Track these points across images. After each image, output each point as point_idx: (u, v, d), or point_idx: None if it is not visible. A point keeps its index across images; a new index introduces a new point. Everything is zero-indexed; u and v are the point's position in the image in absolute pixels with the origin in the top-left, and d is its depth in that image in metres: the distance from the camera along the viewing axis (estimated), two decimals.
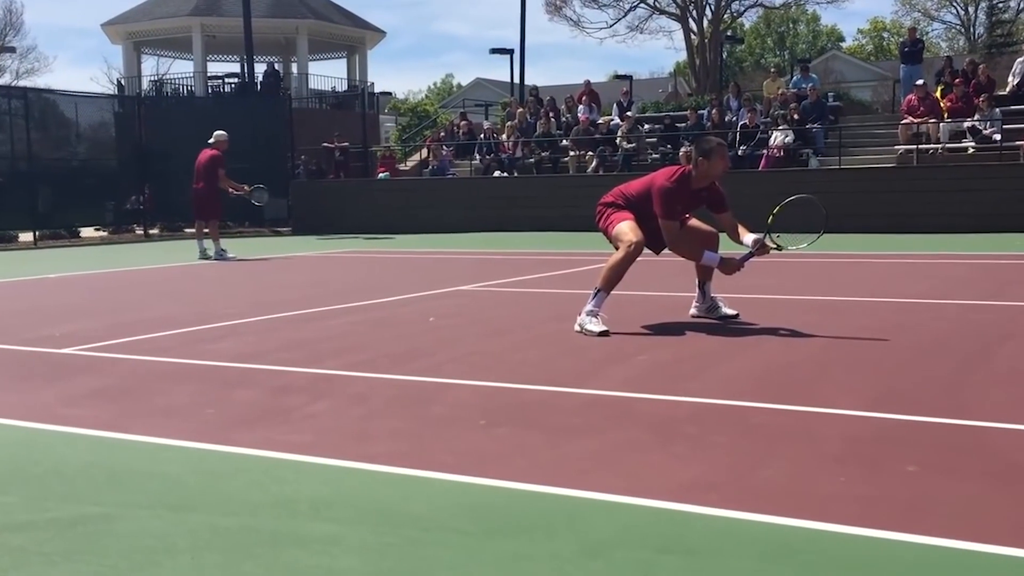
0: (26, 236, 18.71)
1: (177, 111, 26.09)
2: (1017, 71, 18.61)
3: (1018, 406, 3.81)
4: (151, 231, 21.02)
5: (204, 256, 13.40)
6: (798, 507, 2.64)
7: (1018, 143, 16.45)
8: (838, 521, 2.52)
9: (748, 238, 5.99)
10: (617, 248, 6.08)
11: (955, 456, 3.14)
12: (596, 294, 6.03)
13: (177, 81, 32.62)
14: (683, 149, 19.09)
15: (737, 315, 6.38)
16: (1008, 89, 18.57)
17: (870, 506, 2.65)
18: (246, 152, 22.09)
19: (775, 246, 5.98)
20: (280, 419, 3.82)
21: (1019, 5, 50.07)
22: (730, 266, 6.06)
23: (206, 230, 13.86)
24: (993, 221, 14.87)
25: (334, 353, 5.32)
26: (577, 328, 5.94)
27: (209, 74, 32.12)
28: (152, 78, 34.24)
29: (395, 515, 2.68)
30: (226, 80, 31.49)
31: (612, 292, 6.09)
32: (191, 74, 32.10)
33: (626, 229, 6.06)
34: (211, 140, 13.83)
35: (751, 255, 5.98)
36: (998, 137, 16.84)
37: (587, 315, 5.94)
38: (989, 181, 15.61)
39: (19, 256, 15.72)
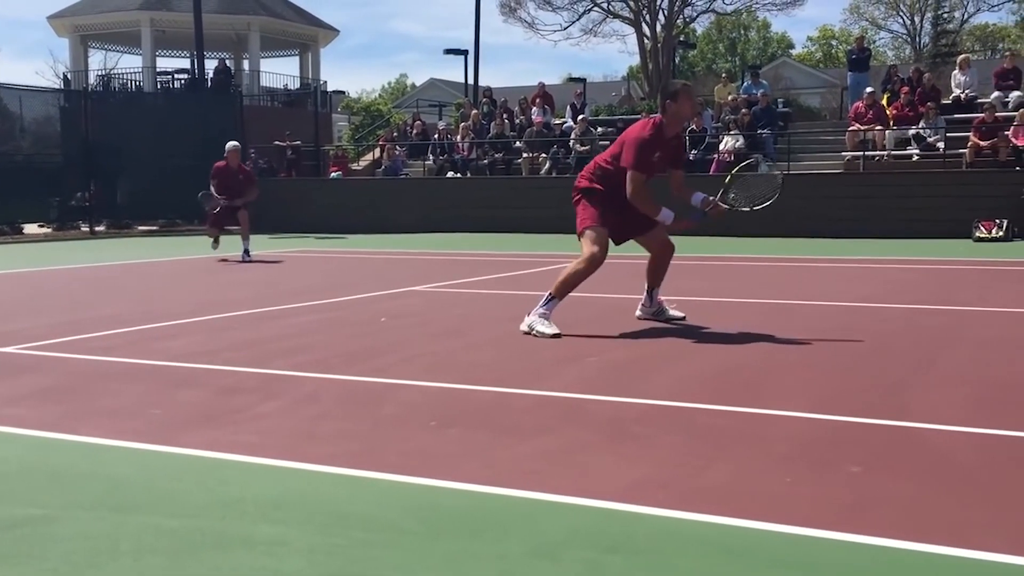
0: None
1: (125, 106, 25.66)
2: (959, 80, 19.03)
3: (960, 408, 3.89)
4: (97, 228, 20.63)
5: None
6: (745, 507, 2.67)
7: (961, 151, 16.83)
8: (784, 521, 2.56)
9: (696, 197, 6.03)
10: (582, 249, 6.00)
11: (898, 457, 3.20)
12: (549, 300, 6.01)
13: (125, 76, 32.07)
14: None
15: (684, 317, 6.43)
16: (952, 97, 18.98)
17: (815, 506, 2.69)
18: (195, 149, 21.82)
19: (728, 206, 6.02)
20: (228, 420, 3.77)
21: (963, 16, 51.30)
22: (681, 224, 6.05)
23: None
24: (937, 227, 15.19)
25: (284, 353, 5.27)
26: (525, 329, 5.92)
27: (158, 69, 31.61)
28: (99, 72, 33.64)
29: (343, 516, 2.66)
30: (176, 76, 31.01)
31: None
32: (139, 69, 31.59)
33: (591, 238, 6.00)
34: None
35: (703, 214, 6.02)
36: (942, 145, 17.20)
37: (538, 317, 5.93)
38: (933, 188, 15.95)
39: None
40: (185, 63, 33.10)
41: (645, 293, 6.59)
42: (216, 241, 13.44)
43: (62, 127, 22.32)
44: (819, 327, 6.15)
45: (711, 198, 5.99)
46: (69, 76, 31.77)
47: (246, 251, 12.76)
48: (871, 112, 18.06)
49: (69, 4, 32.80)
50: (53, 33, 33.60)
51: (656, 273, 6.42)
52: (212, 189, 13.14)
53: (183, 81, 29.74)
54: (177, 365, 4.93)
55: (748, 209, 6.14)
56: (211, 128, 22.42)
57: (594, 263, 5.97)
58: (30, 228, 19.84)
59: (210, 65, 28.00)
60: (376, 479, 2.98)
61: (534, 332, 5.86)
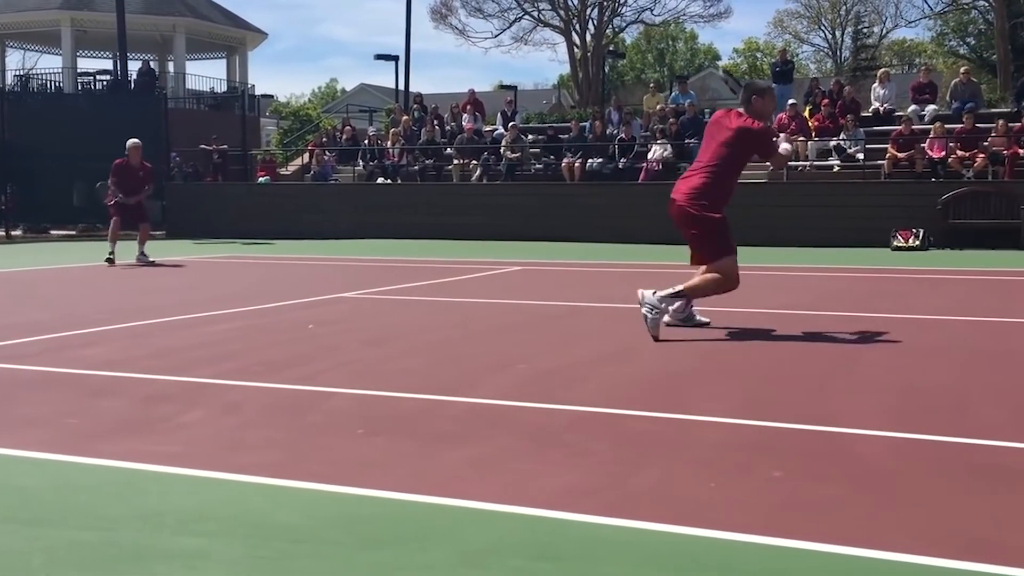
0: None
1: (44, 108, 24.92)
2: (878, 94, 19.59)
3: (878, 413, 3.99)
4: (13, 232, 20.00)
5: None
6: (671, 513, 2.70)
7: (880, 162, 17.32)
8: (708, 526, 2.59)
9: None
10: (713, 270, 6.07)
11: (818, 461, 3.26)
12: (677, 295, 6.02)
13: (44, 76, 31.16)
14: (565, 160, 19.38)
15: (709, 323, 6.44)
16: (871, 110, 19.52)
17: (738, 511, 2.73)
18: (117, 152, 21.28)
19: None
20: (148, 429, 3.68)
21: (882, 31, 52.87)
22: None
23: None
24: (856, 236, 15.59)
25: (208, 361, 5.16)
26: (642, 301, 5.85)
27: (79, 70, 30.82)
28: (17, 72, 32.62)
29: (267, 527, 2.61)
30: (98, 77, 30.25)
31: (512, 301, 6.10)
32: (60, 69, 30.74)
33: (730, 267, 6.07)
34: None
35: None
36: (861, 156, 17.68)
37: (658, 305, 5.85)
38: (854, 197, 16.38)
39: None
40: (108, 64, 32.34)
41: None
42: (112, 256, 12.71)
43: None
44: (742, 334, 6.25)
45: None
46: None
47: (143, 253, 12.67)
48: (794, 123, 18.48)
49: None
50: None
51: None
52: (112, 186, 12.89)
53: (105, 82, 29.02)
54: (96, 373, 4.80)
55: None
56: (134, 131, 21.78)
57: (729, 285, 6.11)
58: None
59: (134, 67, 27.40)
60: (302, 488, 2.93)
61: (646, 316, 5.81)
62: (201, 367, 4.95)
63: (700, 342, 5.89)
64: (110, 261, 12.42)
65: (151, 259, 12.63)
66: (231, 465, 3.16)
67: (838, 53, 55.31)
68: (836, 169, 17.97)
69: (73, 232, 20.80)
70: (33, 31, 31.70)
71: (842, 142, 18.04)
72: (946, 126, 17.39)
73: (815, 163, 18.25)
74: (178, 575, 2.29)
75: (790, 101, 19.22)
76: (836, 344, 5.89)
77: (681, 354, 5.50)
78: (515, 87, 31.29)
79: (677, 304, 6.30)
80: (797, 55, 52.24)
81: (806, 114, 19.13)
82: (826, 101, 18.99)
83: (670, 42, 64.50)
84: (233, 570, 2.32)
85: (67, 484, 3.02)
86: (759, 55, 63.70)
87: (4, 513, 2.71)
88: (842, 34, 55.03)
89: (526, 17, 38.56)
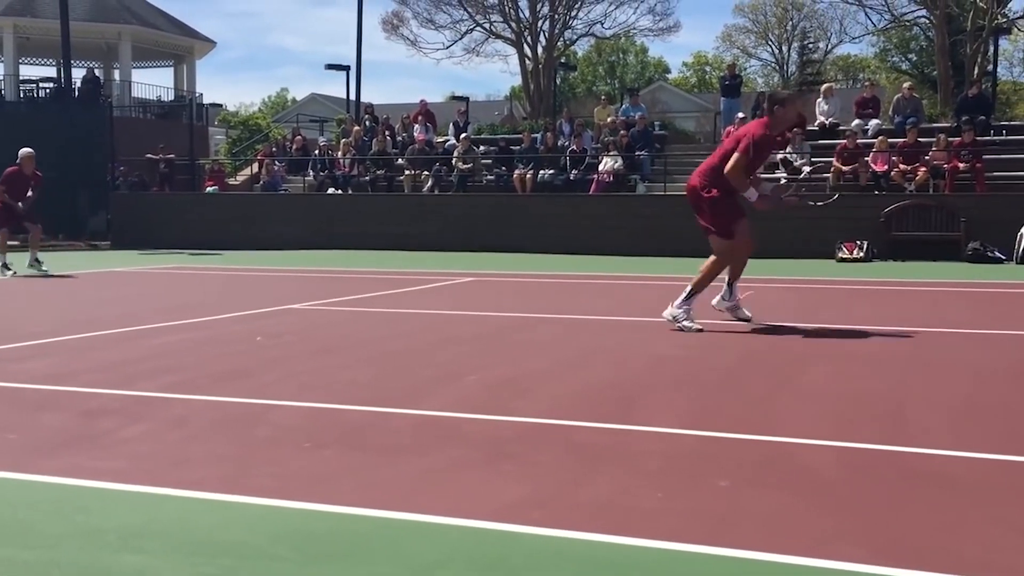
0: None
1: None
2: (823, 108, 19.94)
3: (823, 422, 4.05)
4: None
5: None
6: (619, 524, 2.71)
7: (825, 175, 17.62)
8: (657, 536, 2.60)
9: (766, 187, 7.13)
10: (713, 254, 6.93)
11: (764, 471, 3.30)
12: (691, 295, 6.79)
13: None
14: (516, 172, 19.43)
15: (750, 319, 7.08)
16: (817, 124, 19.86)
17: (686, 520, 2.75)
18: (60, 161, 20.90)
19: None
20: (89, 444, 3.61)
21: (827, 47, 53.90)
22: (768, 202, 7.03)
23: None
24: (802, 248, 15.84)
25: (152, 374, 5.08)
26: (668, 318, 6.74)
27: (22, 77, 30.20)
28: None
29: (211, 544, 2.57)
30: (41, 84, 29.66)
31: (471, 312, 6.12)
32: (1, 77, 30.10)
33: (726, 247, 6.93)
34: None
35: (779, 200, 7.20)
36: (807, 169, 17.98)
37: (683, 312, 6.72)
38: (799, 210, 16.57)
39: None
40: (51, 71, 31.73)
41: (725, 286, 7.21)
42: (7, 264, 12.78)
43: None
44: (688, 344, 6.31)
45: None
46: None
47: (36, 260, 12.60)
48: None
49: None
50: None
51: (736, 267, 7.12)
52: (4, 194, 12.74)
53: (48, 90, 28.47)
54: (36, 387, 4.69)
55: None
56: (78, 139, 21.57)
57: (728, 259, 6.92)
58: None
59: (78, 74, 26.91)
60: (247, 503, 2.90)
61: (680, 326, 6.62)
62: (145, 380, 4.87)
63: (651, 353, 5.94)
64: (7, 268, 12.51)
65: (45, 268, 12.49)
66: (176, 480, 3.11)
67: (785, 67, 56.25)
68: (783, 181, 18.23)
69: (15, 242, 20.32)
70: None
71: (788, 155, 18.33)
72: (889, 140, 17.78)
73: (762, 176, 18.49)
74: None
75: (739, 115, 19.50)
76: (779, 354, 5.97)
77: (630, 366, 5.53)
78: (467, 98, 31.38)
79: (716, 300, 7.24)
80: (745, 69, 53.00)
81: None
82: None
83: (621, 55, 65.06)
84: None
85: (5, 501, 2.95)
86: (708, 69, 64.54)
87: None
88: (789, 49, 55.99)
89: (478, 29, 38.61)
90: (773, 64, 58.24)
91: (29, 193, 12.85)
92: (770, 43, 57.21)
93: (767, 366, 5.52)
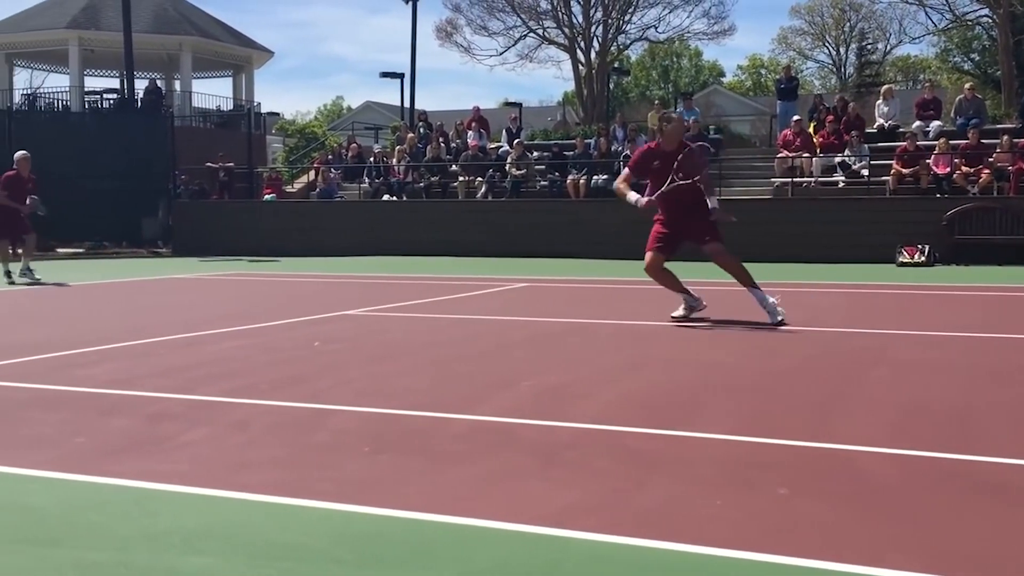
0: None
1: (51, 126, 25.09)
2: (882, 110, 19.63)
3: (881, 429, 4.00)
4: (19, 250, 20.06)
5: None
6: (675, 531, 2.71)
7: (885, 178, 17.34)
8: (713, 544, 2.59)
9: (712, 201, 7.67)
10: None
11: (823, 479, 3.27)
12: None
13: (52, 95, 31.35)
14: (570, 177, 19.43)
15: (782, 321, 7.35)
16: (876, 126, 19.57)
17: (743, 528, 2.74)
18: (125, 170, 21.42)
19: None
20: (154, 448, 3.70)
21: (886, 48, 53.01)
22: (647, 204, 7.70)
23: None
24: (861, 252, 15.60)
25: (213, 379, 5.19)
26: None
27: (86, 89, 31.00)
28: (25, 91, 32.83)
29: (272, 546, 2.62)
30: (104, 96, 30.42)
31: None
32: (67, 88, 30.93)
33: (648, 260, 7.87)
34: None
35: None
36: (866, 172, 17.71)
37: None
38: (858, 214, 16.39)
39: None
40: (114, 83, 32.54)
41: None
42: (8, 272, 12.88)
43: None
44: (748, 350, 6.26)
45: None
46: None
47: (28, 269, 12.70)
48: (799, 140, 18.52)
49: None
50: None
51: (735, 276, 7.67)
52: (5, 200, 12.79)
53: (112, 101, 29.19)
54: (102, 392, 4.82)
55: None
56: (140, 149, 22.07)
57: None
58: None
59: (140, 85, 27.56)
60: (307, 507, 2.95)
61: (780, 317, 7.31)
62: (206, 385, 4.98)
63: (704, 359, 5.90)
64: (8, 276, 12.61)
65: (37, 277, 12.59)
66: (237, 484, 3.18)
67: (842, 69, 55.48)
68: (841, 185, 18.00)
69: (81, 250, 20.91)
70: (41, 50, 31.92)
71: (847, 158, 18.08)
72: (951, 142, 17.43)
73: (820, 179, 18.28)
74: None
75: (795, 118, 19.28)
76: (838, 360, 5.89)
77: (683, 371, 5.50)
78: (520, 104, 31.48)
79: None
80: (801, 72, 52.41)
81: (810, 130, 19.18)
82: (831, 117, 19.04)
83: (675, 59, 64.72)
84: None
85: (76, 503, 3.04)
86: (763, 72, 63.88)
87: (14, 533, 2.73)
88: (846, 51, 55.22)
89: (531, 35, 38.71)
90: (830, 66, 57.52)
91: (28, 200, 12.83)
92: (827, 45, 56.48)
93: (824, 372, 5.46)
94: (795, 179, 18.37)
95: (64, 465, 3.42)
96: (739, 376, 5.34)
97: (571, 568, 2.48)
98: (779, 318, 7.30)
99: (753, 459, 3.54)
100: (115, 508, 2.98)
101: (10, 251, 13.30)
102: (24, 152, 13.25)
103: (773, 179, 18.83)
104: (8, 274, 12.79)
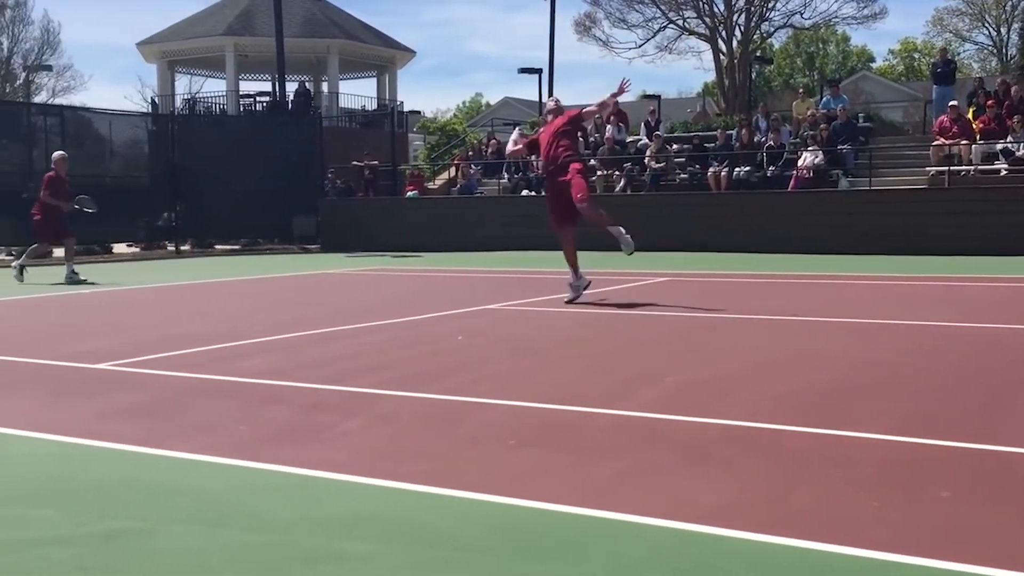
0: (60, 251, 18.95)
1: (209, 129, 26.43)
2: None
3: None
4: (182, 247, 21.26)
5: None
6: (831, 532, 2.63)
7: None
8: (872, 547, 2.51)
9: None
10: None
11: (989, 482, 3.11)
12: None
13: (209, 99, 33.03)
14: (711, 170, 19.10)
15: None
16: None
17: (904, 532, 2.64)
18: (276, 170, 22.34)
19: None
20: (311, 436, 3.85)
21: None
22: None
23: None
24: None
25: (363, 371, 5.35)
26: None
27: (241, 92, 32.48)
28: (185, 96, 34.69)
29: (426, 534, 2.69)
30: (257, 99, 31.83)
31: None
32: (223, 92, 32.49)
33: None
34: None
35: None
36: None
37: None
38: (1023, 203, 15.46)
39: (53, 271, 15.92)
40: (267, 86, 33.99)
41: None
42: (23, 269, 12.89)
43: (150, 150, 23.06)
44: (903, 347, 6.01)
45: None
46: (156, 100, 32.86)
47: (73, 272, 12.65)
48: (956, 126, 17.61)
49: (157, 31, 33.96)
50: (142, 59, 34.78)
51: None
52: (52, 200, 12.92)
53: (265, 104, 30.50)
54: (261, 382, 5.05)
55: None
56: (292, 149, 22.95)
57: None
58: (119, 247, 20.52)
59: (291, 88, 28.68)
60: (458, 498, 3.01)
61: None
62: (356, 377, 5.14)
63: (856, 357, 5.70)
64: (21, 273, 12.67)
65: (83, 278, 12.54)
66: (390, 473, 3.27)
67: (1004, 51, 52.36)
68: (1003, 173, 17.02)
69: (237, 247, 21.94)
70: (200, 57, 33.61)
71: (1009, 144, 17.06)
72: None
73: (980, 167, 17.33)
74: None
75: (952, 103, 18.34)
76: (1003, 358, 5.58)
77: (834, 368, 5.33)
78: (658, 96, 31.08)
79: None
80: (959, 54, 49.81)
81: (969, 116, 18.20)
82: (991, 102, 18.02)
83: (820, 45, 62.60)
84: (397, 575, 2.40)
85: (241, 487, 3.20)
86: (916, 56, 61.04)
87: (187, 514, 2.90)
88: (1008, 30, 52.07)
89: (671, 26, 38.22)
90: (990, 47, 54.40)
91: (76, 199, 12.96)
92: (987, 25, 53.42)
93: (988, 371, 5.17)
94: (952, 168, 17.47)
95: (229, 451, 3.60)
96: (895, 374, 5.13)
97: (725, 567, 2.44)
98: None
99: (912, 460, 3.40)
100: (278, 493, 3.12)
101: (47, 252, 13.35)
102: (62, 152, 13.50)
103: (928, 168, 17.97)
104: (22, 271, 12.76)
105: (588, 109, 9.24)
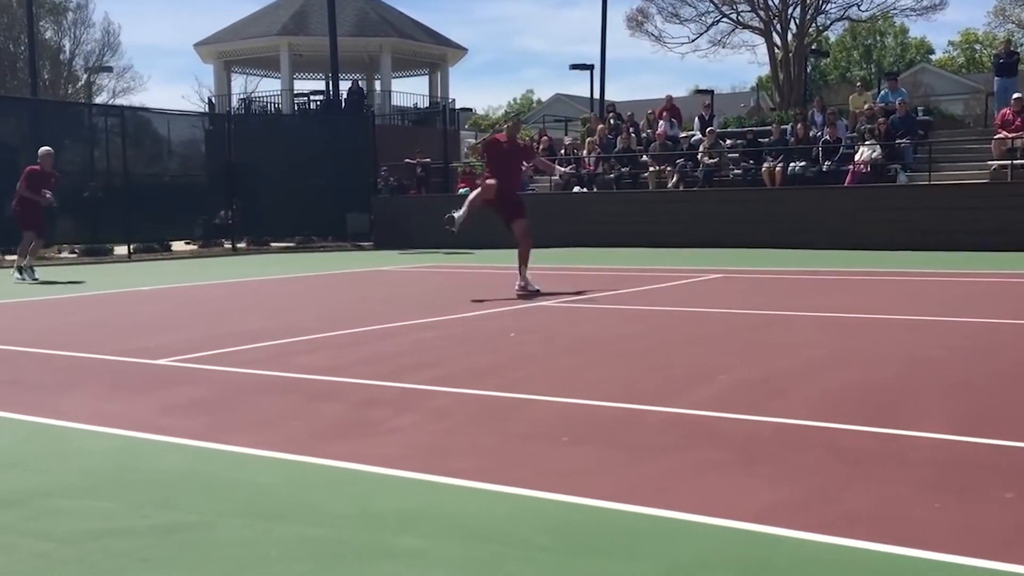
0: (121, 249, 19.39)
1: (264, 128, 26.79)
2: None
3: None
4: (238, 245, 21.58)
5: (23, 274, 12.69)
6: (890, 533, 2.59)
7: None
8: (933, 548, 2.46)
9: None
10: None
11: None
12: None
13: (265, 99, 33.46)
14: (765, 165, 18.87)
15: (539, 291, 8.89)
16: None
17: (967, 534, 2.59)
18: (330, 168, 22.59)
19: None
20: (366, 432, 3.89)
21: None
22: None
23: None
24: None
25: (416, 367, 5.39)
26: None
27: (295, 91, 32.86)
28: (241, 96, 35.20)
29: (479, 530, 2.71)
30: (311, 97, 32.18)
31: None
32: (278, 92, 32.91)
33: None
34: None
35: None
36: None
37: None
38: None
39: (114, 269, 16.29)
40: (320, 85, 34.39)
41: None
42: (27, 268, 12.91)
43: (206, 149, 23.47)
44: (962, 345, 5.89)
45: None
46: (213, 100, 33.39)
47: (30, 268, 12.70)
48: (1019, 119, 17.17)
49: (214, 32, 34.51)
50: (199, 59, 35.39)
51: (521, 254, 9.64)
52: (28, 193, 12.91)
53: (319, 103, 30.83)
54: (315, 378, 5.11)
55: None
56: (345, 148, 23.18)
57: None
58: (177, 245, 20.92)
59: (344, 86, 28.95)
60: (511, 494, 3.02)
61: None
62: (409, 373, 5.18)
63: (913, 355, 5.60)
64: (23, 272, 12.69)
65: (36, 277, 12.64)
66: (444, 469, 3.29)
67: None
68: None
69: (291, 244, 22.22)
70: (255, 57, 34.07)
71: None
72: None
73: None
74: (401, 573, 2.41)
75: (1015, 95, 17.87)
76: None
77: (890, 367, 5.24)
78: (712, 91, 30.77)
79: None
80: (1022, 45, 48.47)
81: None
82: None
83: (878, 37, 61.45)
84: (450, 570, 2.42)
85: (297, 481, 3.24)
86: (978, 47, 59.62)
87: (244, 507, 2.95)
88: None
89: (724, 20, 37.78)
90: None
91: (48, 194, 12.92)
92: None
93: None
94: (1015, 161, 17.03)
95: (285, 446, 3.65)
96: (954, 374, 5.03)
97: (781, 565, 2.42)
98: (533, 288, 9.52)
99: (973, 461, 3.33)
100: (331, 488, 3.16)
101: (41, 245, 13.33)
102: (48, 148, 13.52)
103: (989, 161, 17.55)
104: (31, 269, 12.87)
105: (541, 160, 11.10)
